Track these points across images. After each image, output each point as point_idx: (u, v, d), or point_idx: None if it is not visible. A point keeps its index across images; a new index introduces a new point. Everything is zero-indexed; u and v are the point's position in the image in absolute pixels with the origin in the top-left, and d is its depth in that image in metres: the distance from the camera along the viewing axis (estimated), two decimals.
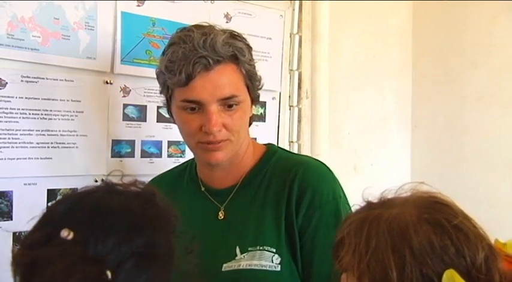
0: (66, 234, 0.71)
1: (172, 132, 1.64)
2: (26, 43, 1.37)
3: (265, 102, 1.85)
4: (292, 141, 1.94)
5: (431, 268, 0.73)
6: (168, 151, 1.63)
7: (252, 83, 1.17)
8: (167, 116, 1.62)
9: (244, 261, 1.14)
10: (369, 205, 0.84)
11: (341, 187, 1.21)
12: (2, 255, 1.32)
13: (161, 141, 1.62)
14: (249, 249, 1.15)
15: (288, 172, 1.18)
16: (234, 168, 1.22)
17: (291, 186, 1.16)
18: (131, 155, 1.57)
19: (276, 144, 1.34)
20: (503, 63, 2.07)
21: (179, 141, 1.65)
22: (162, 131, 1.62)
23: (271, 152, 1.26)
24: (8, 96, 1.35)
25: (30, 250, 0.72)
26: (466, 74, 2.19)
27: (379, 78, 2.24)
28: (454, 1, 2.19)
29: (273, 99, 1.85)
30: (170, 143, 1.63)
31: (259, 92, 1.23)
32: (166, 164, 1.61)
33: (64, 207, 0.76)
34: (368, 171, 2.17)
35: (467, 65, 2.18)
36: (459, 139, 2.20)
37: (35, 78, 1.39)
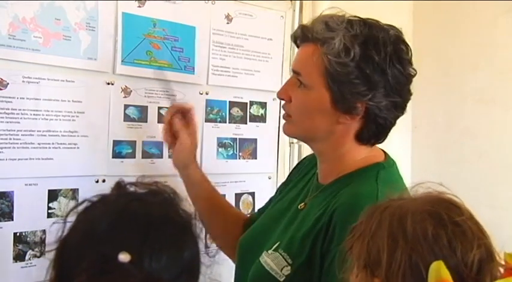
0: (123, 257, 0.70)
1: None
2: (27, 44, 1.36)
3: (265, 102, 1.85)
4: (292, 142, 1.94)
5: (420, 256, 0.74)
6: (169, 152, 1.62)
7: (336, 78, 1.09)
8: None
9: (268, 257, 1.14)
10: (385, 201, 0.86)
11: None
12: (2, 255, 1.34)
13: (162, 142, 1.61)
14: (279, 250, 1.14)
15: (341, 195, 1.11)
16: (334, 167, 1.17)
17: (332, 214, 1.08)
18: (132, 155, 1.57)
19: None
20: (504, 64, 2.08)
21: None
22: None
23: (374, 166, 1.17)
24: (9, 97, 1.35)
25: (93, 277, 0.70)
26: (466, 75, 2.19)
27: None
28: (454, 1, 2.19)
29: (273, 99, 1.85)
30: None
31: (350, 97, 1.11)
32: (167, 164, 1.61)
33: (105, 224, 0.75)
34: None
35: (467, 66, 2.18)
36: (459, 140, 2.21)
37: (36, 78, 1.39)
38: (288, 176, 1.45)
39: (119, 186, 0.82)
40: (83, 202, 0.81)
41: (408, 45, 1.16)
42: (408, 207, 0.80)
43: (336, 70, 1.08)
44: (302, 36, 1.15)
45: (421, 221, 0.77)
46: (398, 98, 1.13)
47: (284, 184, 1.43)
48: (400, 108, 1.15)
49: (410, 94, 1.17)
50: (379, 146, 1.26)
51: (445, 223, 0.76)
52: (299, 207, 1.21)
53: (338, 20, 1.12)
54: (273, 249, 1.15)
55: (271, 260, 1.13)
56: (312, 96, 1.12)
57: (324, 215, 1.10)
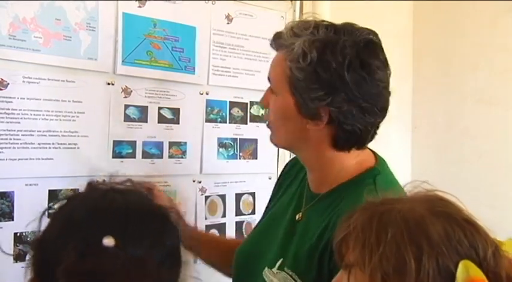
0: (107, 241, 0.70)
1: (174, 133, 1.64)
2: (28, 44, 1.36)
3: None
4: None
5: (447, 258, 0.74)
6: (169, 152, 1.63)
7: (296, 84, 1.08)
8: (168, 117, 1.63)
9: (274, 276, 1.12)
10: (372, 203, 0.84)
11: None
12: (3, 255, 1.34)
13: (162, 142, 1.62)
14: (285, 269, 1.11)
15: (342, 209, 1.06)
16: (325, 175, 1.15)
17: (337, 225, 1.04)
18: (132, 155, 1.57)
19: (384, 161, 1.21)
20: (504, 64, 2.08)
21: (180, 142, 1.65)
22: (163, 132, 1.62)
23: (369, 173, 1.13)
24: (10, 97, 1.35)
25: (81, 262, 0.70)
26: (466, 75, 2.19)
27: None
28: (454, 1, 2.19)
29: None
30: (171, 144, 1.63)
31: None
32: (167, 165, 1.62)
33: (84, 214, 0.75)
34: None
35: (467, 66, 2.19)
36: (459, 140, 2.21)
37: (36, 79, 1.39)
38: (277, 183, 1.40)
39: (91, 186, 0.82)
40: (56, 202, 0.81)
41: (379, 49, 1.11)
42: (416, 210, 0.79)
43: (295, 76, 1.08)
44: (274, 43, 1.17)
45: (440, 224, 0.76)
46: (364, 103, 1.07)
47: (275, 190, 1.39)
48: (372, 113, 1.09)
49: (385, 98, 1.12)
50: (378, 145, 1.23)
51: (460, 223, 0.77)
52: (297, 217, 1.18)
53: (304, 26, 1.10)
54: (277, 267, 1.12)
55: (278, 280, 1.11)
56: (280, 103, 1.13)
57: (327, 231, 1.06)
